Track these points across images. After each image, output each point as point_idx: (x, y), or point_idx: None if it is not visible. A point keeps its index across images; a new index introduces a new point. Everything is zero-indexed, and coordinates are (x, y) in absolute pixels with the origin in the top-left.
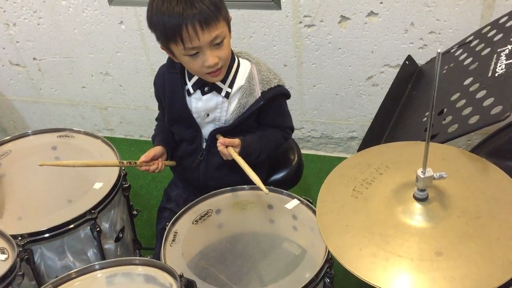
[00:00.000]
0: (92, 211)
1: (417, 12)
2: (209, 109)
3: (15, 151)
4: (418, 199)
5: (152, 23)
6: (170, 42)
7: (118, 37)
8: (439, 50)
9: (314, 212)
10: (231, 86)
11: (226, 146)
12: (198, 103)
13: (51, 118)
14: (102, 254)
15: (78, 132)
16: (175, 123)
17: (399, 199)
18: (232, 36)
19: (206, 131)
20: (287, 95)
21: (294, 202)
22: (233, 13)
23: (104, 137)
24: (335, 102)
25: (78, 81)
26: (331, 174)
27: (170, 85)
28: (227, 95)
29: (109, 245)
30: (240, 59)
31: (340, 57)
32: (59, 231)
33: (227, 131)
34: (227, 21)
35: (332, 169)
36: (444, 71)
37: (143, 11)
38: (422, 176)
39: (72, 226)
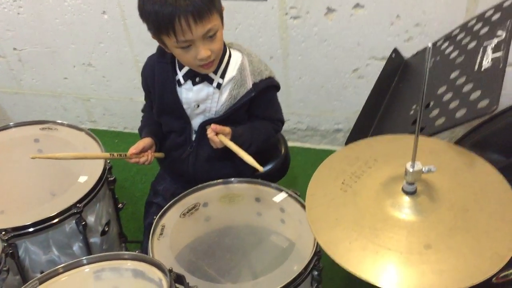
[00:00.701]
0: (78, 205)
1: (403, 5)
2: (199, 100)
3: None
4: (406, 193)
5: (144, 13)
6: (162, 34)
7: (101, 28)
8: (429, 44)
9: (302, 205)
10: (222, 76)
11: (217, 134)
12: (188, 93)
13: (32, 109)
14: (88, 248)
15: (62, 124)
16: (164, 114)
17: (388, 193)
18: None
19: (195, 122)
20: (278, 87)
21: (282, 195)
22: None
23: (87, 129)
24: (321, 94)
25: (60, 72)
26: (320, 167)
27: (160, 75)
28: (219, 86)
29: (94, 238)
30: (231, 50)
31: (326, 49)
32: (44, 225)
33: (217, 122)
34: (220, 13)
35: (318, 162)
36: (430, 64)
37: (126, 1)
38: (411, 170)
39: (57, 220)
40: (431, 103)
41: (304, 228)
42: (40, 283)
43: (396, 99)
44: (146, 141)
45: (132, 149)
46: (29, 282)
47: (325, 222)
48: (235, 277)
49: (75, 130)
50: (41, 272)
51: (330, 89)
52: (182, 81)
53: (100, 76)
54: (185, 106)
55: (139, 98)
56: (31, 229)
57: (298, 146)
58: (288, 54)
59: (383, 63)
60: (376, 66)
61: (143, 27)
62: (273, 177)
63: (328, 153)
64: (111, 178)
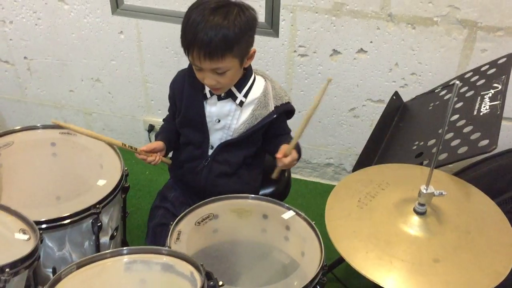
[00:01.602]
0: (97, 206)
1: (402, 54)
2: (221, 115)
3: (17, 142)
4: (418, 213)
5: (182, 26)
6: (184, 50)
7: (115, 46)
8: (457, 82)
9: (309, 223)
10: (245, 96)
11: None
12: (212, 107)
13: (31, 118)
14: (98, 248)
15: None
16: (186, 126)
17: (400, 212)
18: None
19: (214, 138)
20: (293, 112)
21: (290, 213)
22: None
23: None
24: (317, 128)
25: (67, 84)
26: (338, 186)
27: (190, 88)
28: (241, 104)
29: (104, 240)
30: (256, 75)
31: (327, 88)
32: (64, 221)
33: (234, 143)
34: (240, 56)
35: (307, 193)
36: (430, 107)
37: (144, 23)
38: (425, 192)
39: (77, 218)
40: (433, 141)
41: (308, 246)
42: (78, 268)
43: (397, 135)
44: (159, 143)
45: (144, 147)
46: (68, 266)
47: (343, 233)
48: (241, 283)
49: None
50: (53, 268)
51: (327, 124)
52: (208, 95)
53: (106, 92)
54: (207, 120)
55: (141, 117)
56: (50, 225)
57: None
58: (291, 89)
59: (378, 105)
60: (371, 107)
61: (156, 49)
62: (277, 199)
63: (317, 185)
64: (126, 185)
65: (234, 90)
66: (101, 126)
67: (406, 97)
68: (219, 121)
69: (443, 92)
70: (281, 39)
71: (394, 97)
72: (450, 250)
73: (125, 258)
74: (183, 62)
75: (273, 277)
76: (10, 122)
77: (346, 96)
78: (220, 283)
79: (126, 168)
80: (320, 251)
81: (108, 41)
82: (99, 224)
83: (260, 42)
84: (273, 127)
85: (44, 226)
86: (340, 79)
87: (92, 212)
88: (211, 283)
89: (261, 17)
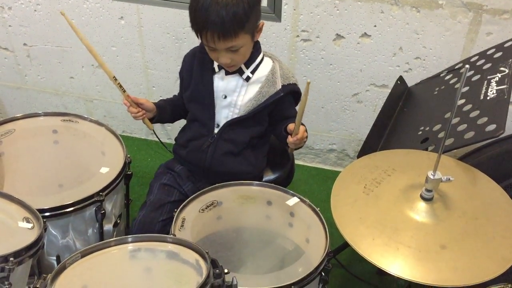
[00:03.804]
0: (100, 193)
1: (406, 38)
2: (228, 90)
3: (19, 130)
4: (424, 199)
5: (189, 8)
6: (196, 32)
7: (115, 32)
8: (466, 66)
9: (313, 210)
10: (252, 73)
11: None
12: (219, 82)
13: (32, 105)
14: (101, 236)
15: (84, 118)
16: (193, 101)
17: (407, 198)
18: None
19: (220, 115)
20: (300, 93)
21: (295, 200)
22: None
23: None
24: (319, 114)
25: (67, 71)
26: (343, 172)
27: (199, 64)
28: (248, 79)
29: (107, 228)
30: (265, 56)
31: (330, 73)
32: (68, 209)
33: (241, 121)
34: (251, 32)
35: (310, 178)
36: (436, 92)
37: (145, 9)
38: (432, 178)
39: (80, 206)
40: (439, 126)
41: (314, 232)
42: (82, 256)
43: (402, 121)
44: (149, 103)
45: (132, 96)
46: (73, 254)
47: (349, 220)
48: (246, 271)
49: (96, 124)
50: (57, 256)
51: (329, 110)
52: (217, 69)
53: (107, 78)
54: (214, 95)
55: None
56: (53, 213)
57: None
58: (294, 74)
59: (382, 90)
60: (375, 92)
61: (157, 35)
62: (280, 185)
63: (320, 171)
64: (129, 173)
65: (242, 66)
66: (102, 113)
67: (410, 81)
68: (225, 97)
69: (448, 76)
70: (283, 23)
71: (398, 82)
72: (457, 236)
73: (130, 246)
74: (184, 48)
75: (277, 264)
76: (11, 109)
77: (349, 81)
78: (226, 270)
79: (129, 155)
80: (325, 237)
81: (108, 27)
82: (102, 212)
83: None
84: (281, 107)
85: (47, 214)
86: (343, 64)
87: (96, 200)
88: (217, 270)
89: (263, 1)
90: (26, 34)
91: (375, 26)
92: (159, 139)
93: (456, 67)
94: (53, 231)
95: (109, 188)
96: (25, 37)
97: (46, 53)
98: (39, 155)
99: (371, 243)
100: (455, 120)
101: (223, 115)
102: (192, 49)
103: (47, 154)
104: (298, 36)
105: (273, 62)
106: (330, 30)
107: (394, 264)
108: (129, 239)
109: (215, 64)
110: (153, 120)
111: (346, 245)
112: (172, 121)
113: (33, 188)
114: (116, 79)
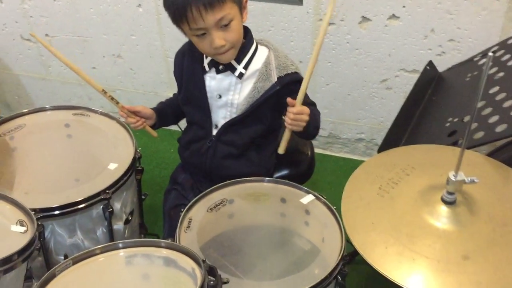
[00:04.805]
0: (107, 191)
1: (438, 19)
2: (222, 89)
3: (29, 125)
4: (446, 202)
5: (164, 2)
6: (178, 21)
7: (134, 20)
8: (490, 53)
9: (329, 208)
10: (246, 68)
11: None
12: (212, 81)
13: (58, 96)
14: (111, 234)
15: (95, 111)
16: (187, 103)
17: (426, 201)
18: (251, 28)
19: (217, 116)
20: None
21: (309, 197)
22: (252, 5)
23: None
24: (346, 102)
25: (89, 61)
26: (357, 171)
27: (190, 63)
28: (241, 76)
29: (118, 226)
30: (259, 45)
31: (357, 58)
32: (72, 208)
33: (239, 121)
34: (238, 2)
35: (338, 169)
36: (468, 78)
37: None
38: (454, 179)
39: (85, 204)
40: (469, 118)
41: (329, 232)
42: (74, 263)
43: (430, 111)
44: (147, 110)
45: (127, 106)
46: (63, 261)
47: (360, 225)
48: (256, 276)
49: (107, 118)
50: (65, 255)
51: (357, 97)
52: (207, 68)
53: (128, 68)
54: (208, 95)
55: (164, 93)
56: (58, 212)
57: (318, 153)
58: (318, 60)
59: (413, 75)
60: (405, 78)
61: None
62: (298, 180)
63: (347, 161)
64: (139, 168)
65: (233, 62)
66: (124, 103)
67: (444, 66)
68: (220, 97)
69: (483, 61)
70: (305, 7)
71: (427, 67)
72: (482, 245)
73: (123, 252)
74: None
75: (291, 267)
76: (37, 101)
77: (377, 67)
78: (226, 279)
79: (139, 150)
80: (340, 239)
81: (126, 15)
82: (110, 210)
83: (283, 11)
84: (282, 101)
85: (50, 213)
86: (370, 49)
87: (102, 198)
88: (211, 282)
89: None
90: (47, 24)
91: (404, 6)
92: (180, 129)
93: (491, 50)
94: (58, 230)
95: (116, 185)
96: (46, 28)
97: (68, 43)
98: (52, 149)
99: (384, 252)
100: (487, 111)
101: (220, 116)
102: (181, 48)
103: (61, 148)
104: (321, 19)
105: (269, 51)
106: (355, 13)
107: (409, 277)
108: (120, 245)
109: (205, 63)
110: (155, 127)
111: None
112: (176, 122)
113: (48, 182)
114: (105, 92)
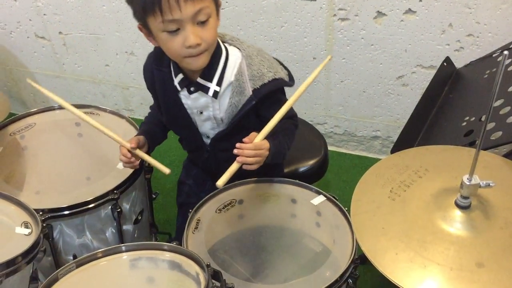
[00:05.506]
0: (115, 191)
1: (456, 13)
2: (200, 107)
3: (39, 124)
4: (460, 207)
5: None
6: (148, 14)
7: None
8: (505, 52)
9: (340, 209)
10: (219, 83)
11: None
12: (187, 100)
13: (72, 94)
14: (120, 235)
15: (104, 110)
16: (173, 124)
17: (439, 205)
18: (263, 24)
19: (204, 128)
20: (283, 88)
21: (320, 198)
22: (265, 1)
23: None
24: (361, 99)
25: (102, 58)
26: (367, 173)
27: (160, 83)
28: (215, 95)
29: (127, 226)
30: (227, 46)
31: (372, 54)
32: (80, 209)
33: (227, 133)
34: (216, 0)
35: (353, 167)
36: (486, 75)
37: None
38: (468, 183)
39: (93, 205)
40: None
41: (341, 234)
42: (77, 266)
43: (446, 109)
44: (141, 139)
45: (132, 143)
46: (66, 265)
47: (370, 230)
48: (266, 278)
49: (117, 117)
50: (74, 256)
51: (372, 94)
52: (178, 88)
53: (141, 65)
54: (189, 112)
55: None
56: (67, 212)
57: (333, 150)
58: (332, 56)
59: (430, 71)
60: (422, 74)
61: None
62: (310, 179)
63: (363, 159)
64: (148, 167)
65: (203, 81)
66: (138, 100)
67: (462, 62)
68: (201, 112)
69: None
70: (318, 2)
71: (445, 64)
72: (498, 252)
73: (126, 255)
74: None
75: (301, 269)
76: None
77: (393, 63)
78: (232, 284)
79: None
80: (351, 242)
81: None
82: (118, 210)
83: (296, 7)
84: (265, 109)
85: (58, 213)
86: (386, 44)
87: (110, 198)
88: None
89: None
90: (60, 22)
91: (420, 1)
92: None
93: (511, 46)
94: (67, 230)
95: (124, 185)
96: (60, 26)
97: (81, 41)
98: (63, 148)
99: (394, 258)
100: (505, 110)
101: (208, 127)
102: (145, 63)
103: (73, 147)
104: (335, 15)
105: (241, 57)
106: (370, 7)
107: (421, 284)
108: (123, 248)
109: (176, 82)
110: (149, 150)
111: None
112: (165, 136)
113: (59, 181)
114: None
